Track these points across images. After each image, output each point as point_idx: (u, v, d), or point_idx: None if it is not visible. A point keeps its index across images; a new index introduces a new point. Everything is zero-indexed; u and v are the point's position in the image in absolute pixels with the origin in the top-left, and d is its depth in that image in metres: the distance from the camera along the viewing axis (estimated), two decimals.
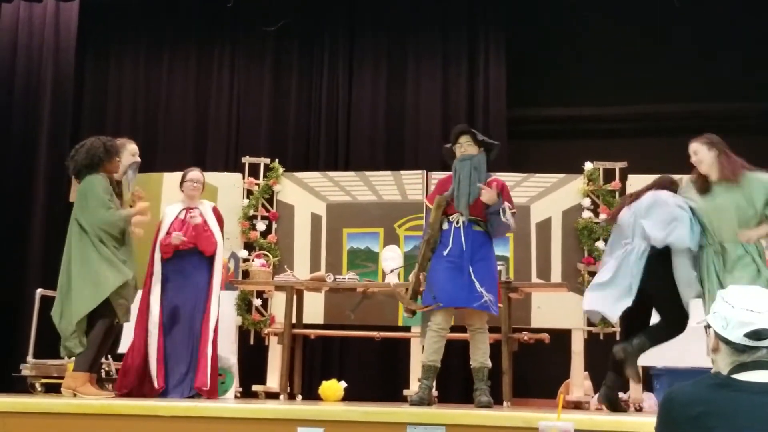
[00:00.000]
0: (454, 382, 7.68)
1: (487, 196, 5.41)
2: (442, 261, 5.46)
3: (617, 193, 7.40)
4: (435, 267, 5.49)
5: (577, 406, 6.64)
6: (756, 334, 2.24)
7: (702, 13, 8.36)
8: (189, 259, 6.20)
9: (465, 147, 5.60)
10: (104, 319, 5.67)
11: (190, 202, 6.38)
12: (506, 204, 5.49)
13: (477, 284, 5.33)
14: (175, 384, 5.92)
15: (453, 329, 5.71)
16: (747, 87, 8.36)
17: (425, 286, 5.53)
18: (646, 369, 7.01)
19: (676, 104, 8.51)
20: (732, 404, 2.16)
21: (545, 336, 6.72)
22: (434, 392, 6.99)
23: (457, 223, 5.49)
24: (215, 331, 6.12)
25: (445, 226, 5.53)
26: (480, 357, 5.50)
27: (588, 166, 7.49)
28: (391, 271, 6.98)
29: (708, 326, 2.36)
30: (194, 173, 6.43)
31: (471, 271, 5.35)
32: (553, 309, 7.21)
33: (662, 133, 8.53)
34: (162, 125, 9.09)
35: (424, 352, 5.57)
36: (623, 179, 7.41)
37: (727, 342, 2.29)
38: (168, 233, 6.18)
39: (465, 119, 8.61)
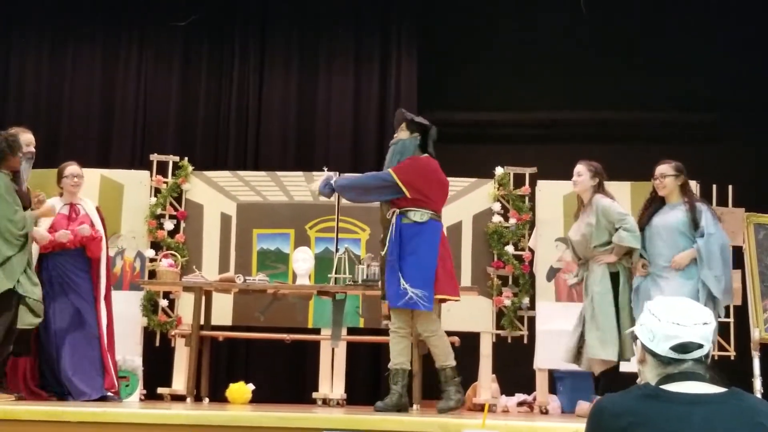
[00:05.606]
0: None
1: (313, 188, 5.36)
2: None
3: (527, 198, 7.50)
4: None
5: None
6: (682, 348, 2.28)
7: (609, 21, 8.57)
8: (71, 260, 6.04)
9: (397, 132, 5.53)
10: (2, 319, 5.40)
11: (71, 198, 6.19)
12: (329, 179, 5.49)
13: (402, 280, 5.17)
14: (81, 384, 5.83)
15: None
16: (651, 97, 8.60)
17: None
18: (550, 372, 7.15)
19: (584, 111, 8.69)
20: (661, 415, 2.19)
21: (455, 339, 6.75)
22: (343, 395, 7.01)
23: (391, 217, 5.36)
24: (110, 334, 6.07)
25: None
26: (438, 359, 5.37)
27: (499, 170, 7.56)
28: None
29: (635, 338, 2.40)
30: (74, 167, 6.22)
31: (399, 267, 5.19)
32: (462, 312, 7.24)
33: (571, 139, 8.70)
34: (65, 119, 8.75)
35: (391, 357, 5.37)
36: (533, 184, 7.53)
37: (653, 354, 2.32)
38: (53, 228, 6.00)
39: (376, 120, 8.63)
